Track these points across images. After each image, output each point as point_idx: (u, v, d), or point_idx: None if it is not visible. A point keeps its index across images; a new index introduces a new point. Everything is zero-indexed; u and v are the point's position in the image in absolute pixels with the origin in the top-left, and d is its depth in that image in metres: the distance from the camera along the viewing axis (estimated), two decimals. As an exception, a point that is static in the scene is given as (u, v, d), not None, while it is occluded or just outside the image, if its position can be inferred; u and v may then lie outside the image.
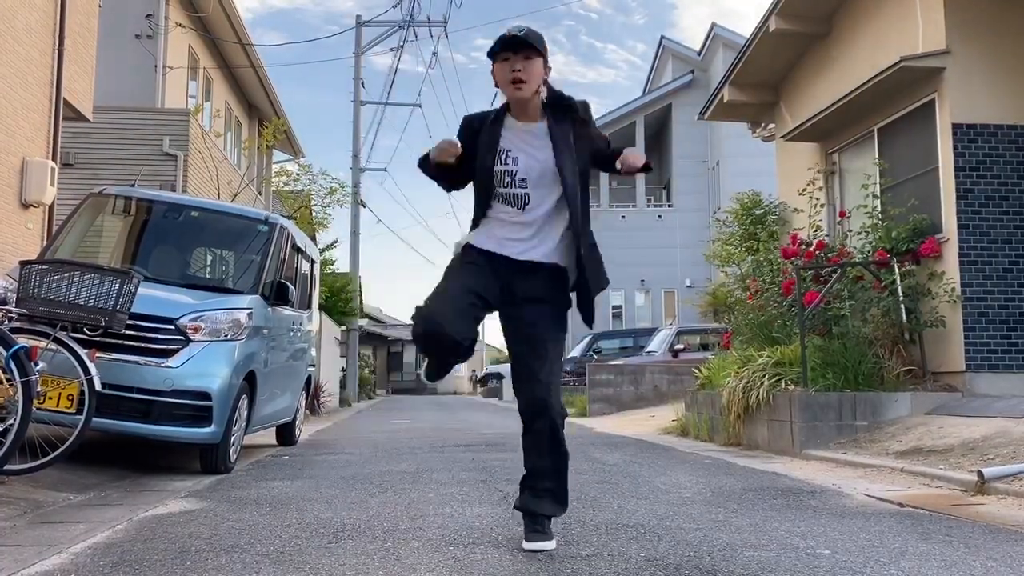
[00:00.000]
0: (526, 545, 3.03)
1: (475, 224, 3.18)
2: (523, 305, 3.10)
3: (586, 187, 3.11)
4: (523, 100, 3.05)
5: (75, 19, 9.36)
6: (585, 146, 3.10)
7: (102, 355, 4.81)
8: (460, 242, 3.19)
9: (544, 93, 3.08)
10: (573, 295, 3.18)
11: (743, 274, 10.34)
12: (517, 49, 2.99)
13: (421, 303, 3.00)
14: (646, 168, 3.03)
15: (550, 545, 3.02)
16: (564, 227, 3.09)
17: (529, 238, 3.07)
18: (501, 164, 3.05)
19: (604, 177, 28.19)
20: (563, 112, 3.09)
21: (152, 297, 5.24)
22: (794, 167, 10.35)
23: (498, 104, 3.23)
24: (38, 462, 4.32)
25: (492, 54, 3.04)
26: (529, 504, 3.10)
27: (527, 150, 3.06)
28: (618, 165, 3.01)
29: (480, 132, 3.11)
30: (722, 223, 12.19)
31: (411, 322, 3.02)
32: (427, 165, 3.14)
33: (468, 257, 3.11)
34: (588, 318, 3.19)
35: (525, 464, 3.15)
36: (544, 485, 3.10)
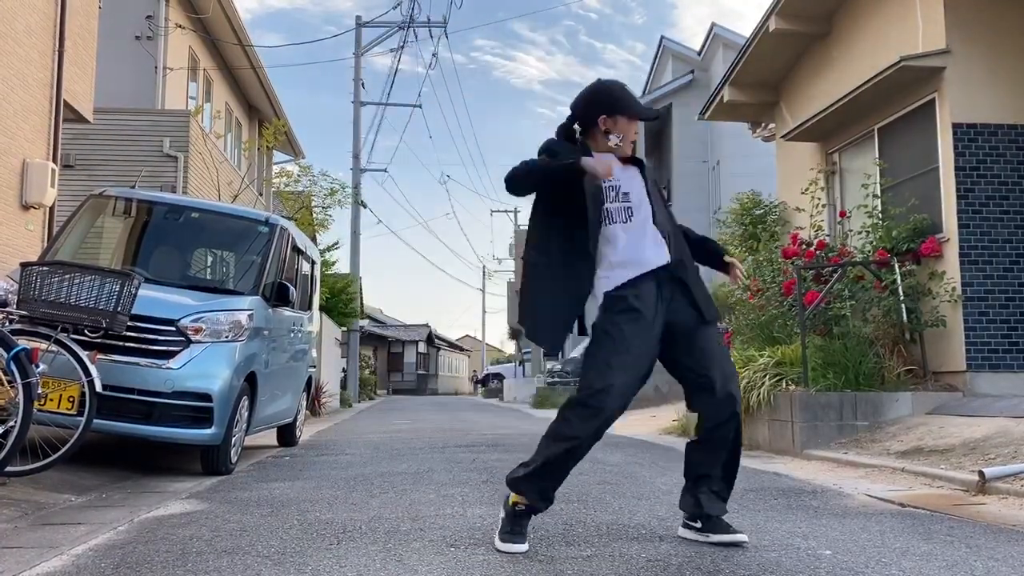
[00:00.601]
0: (736, 538, 3.08)
1: (597, 261, 3.14)
2: (677, 308, 3.15)
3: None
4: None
5: (75, 21, 9.36)
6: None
7: (103, 357, 4.81)
8: (598, 297, 3.17)
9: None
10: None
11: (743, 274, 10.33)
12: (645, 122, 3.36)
13: (606, 382, 3.01)
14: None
15: (744, 537, 3.11)
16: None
17: (652, 243, 3.15)
18: (605, 181, 3.14)
19: (604, 177, 28.17)
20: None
21: (153, 298, 5.24)
22: (794, 167, 10.35)
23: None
24: (39, 464, 4.32)
25: (633, 114, 3.24)
26: (709, 508, 3.16)
27: (622, 173, 3.20)
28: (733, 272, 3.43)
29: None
30: (722, 223, 12.18)
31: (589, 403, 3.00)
32: (535, 172, 3.14)
33: (619, 306, 3.08)
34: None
35: (704, 468, 3.20)
36: (722, 486, 3.21)
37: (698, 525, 3.18)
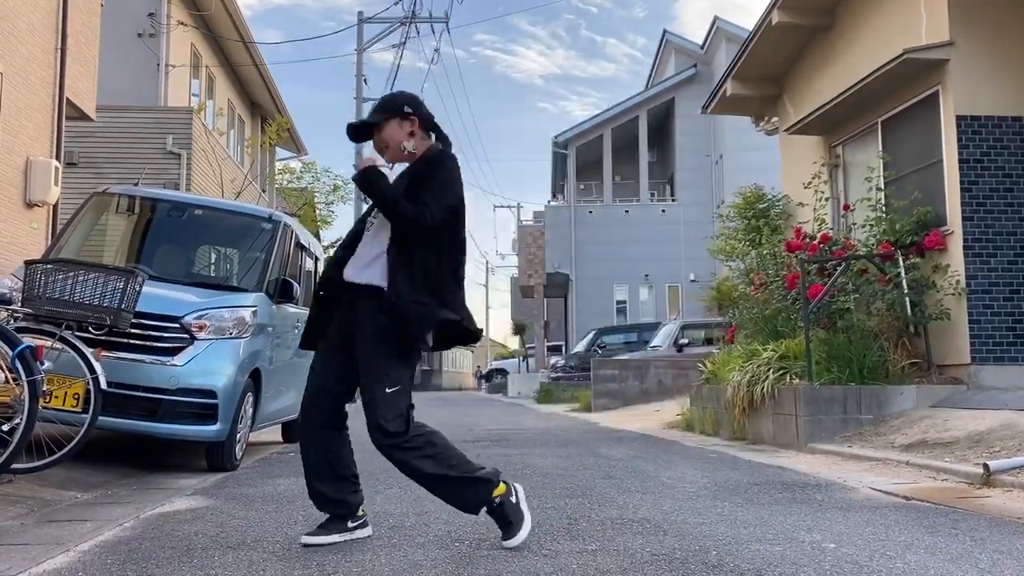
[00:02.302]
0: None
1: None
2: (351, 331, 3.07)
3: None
4: (394, 162, 3.21)
5: (77, 18, 9.37)
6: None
7: (107, 354, 4.82)
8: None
9: (417, 144, 3.18)
10: None
11: (747, 268, 10.33)
12: (359, 137, 3.28)
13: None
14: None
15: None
16: (382, 247, 3.02)
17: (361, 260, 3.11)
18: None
19: (608, 172, 28.20)
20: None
21: (157, 295, 5.24)
22: (798, 160, 10.33)
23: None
24: (45, 461, 4.33)
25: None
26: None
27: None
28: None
29: None
30: (725, 218, 12.16)
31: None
32: None
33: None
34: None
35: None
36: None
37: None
